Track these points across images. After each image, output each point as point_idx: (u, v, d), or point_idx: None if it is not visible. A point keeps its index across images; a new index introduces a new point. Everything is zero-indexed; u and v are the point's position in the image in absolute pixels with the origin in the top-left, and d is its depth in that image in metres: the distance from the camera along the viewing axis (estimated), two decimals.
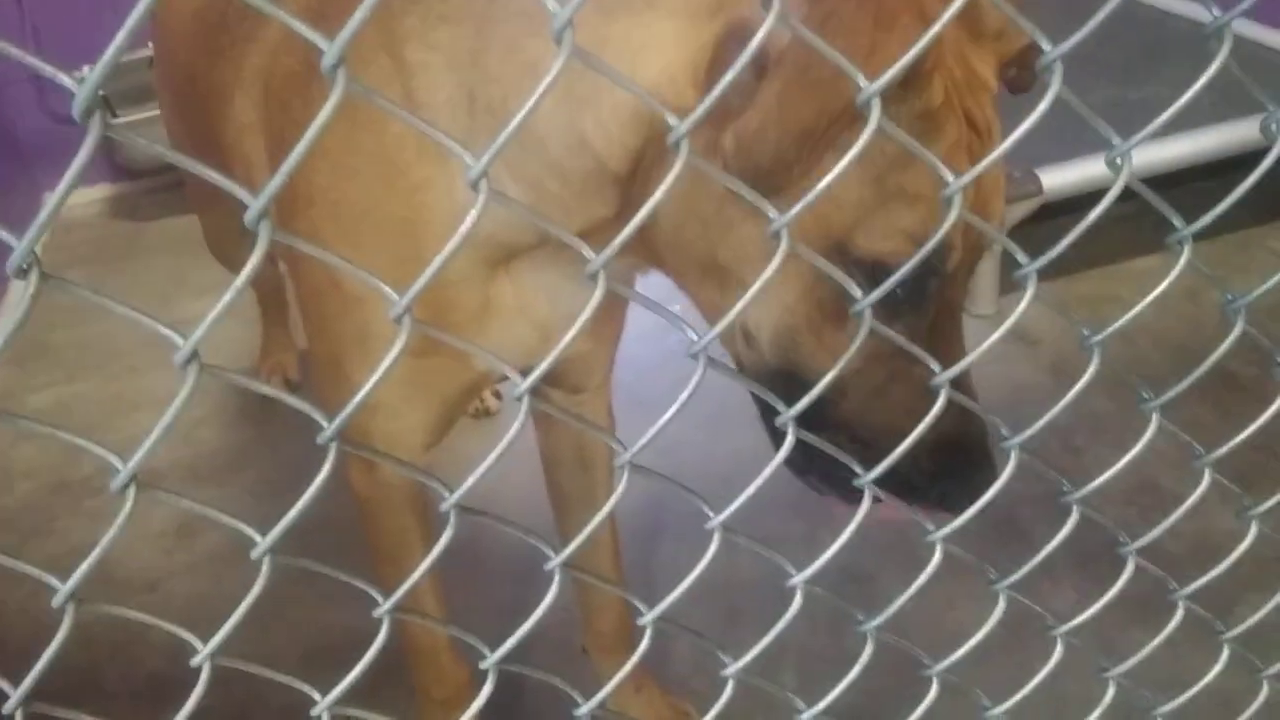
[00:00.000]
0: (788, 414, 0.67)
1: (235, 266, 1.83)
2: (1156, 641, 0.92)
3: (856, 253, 0.73)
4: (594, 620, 1.40)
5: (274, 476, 1.89)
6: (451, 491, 0.59)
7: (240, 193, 0.43)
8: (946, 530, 0.76)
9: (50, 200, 0.42)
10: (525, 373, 0.58)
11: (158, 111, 2.58)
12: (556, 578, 0.66)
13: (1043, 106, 0.56)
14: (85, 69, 2.69)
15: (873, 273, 0.71)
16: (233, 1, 1.12)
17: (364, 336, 0.96)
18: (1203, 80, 0.60)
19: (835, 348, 0.75)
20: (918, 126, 0.70)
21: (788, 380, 0.78)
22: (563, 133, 0.79)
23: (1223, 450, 0.84)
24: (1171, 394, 0.79)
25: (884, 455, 0.70)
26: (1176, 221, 0.69)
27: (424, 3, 0.87)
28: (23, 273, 0.42)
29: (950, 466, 0.79)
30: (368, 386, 0.51)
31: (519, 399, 0.58)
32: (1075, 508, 0.81)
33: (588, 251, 0.55)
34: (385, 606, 0.62)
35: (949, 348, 0.79)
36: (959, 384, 0.78)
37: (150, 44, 2.44)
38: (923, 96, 0.71)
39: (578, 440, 1.27)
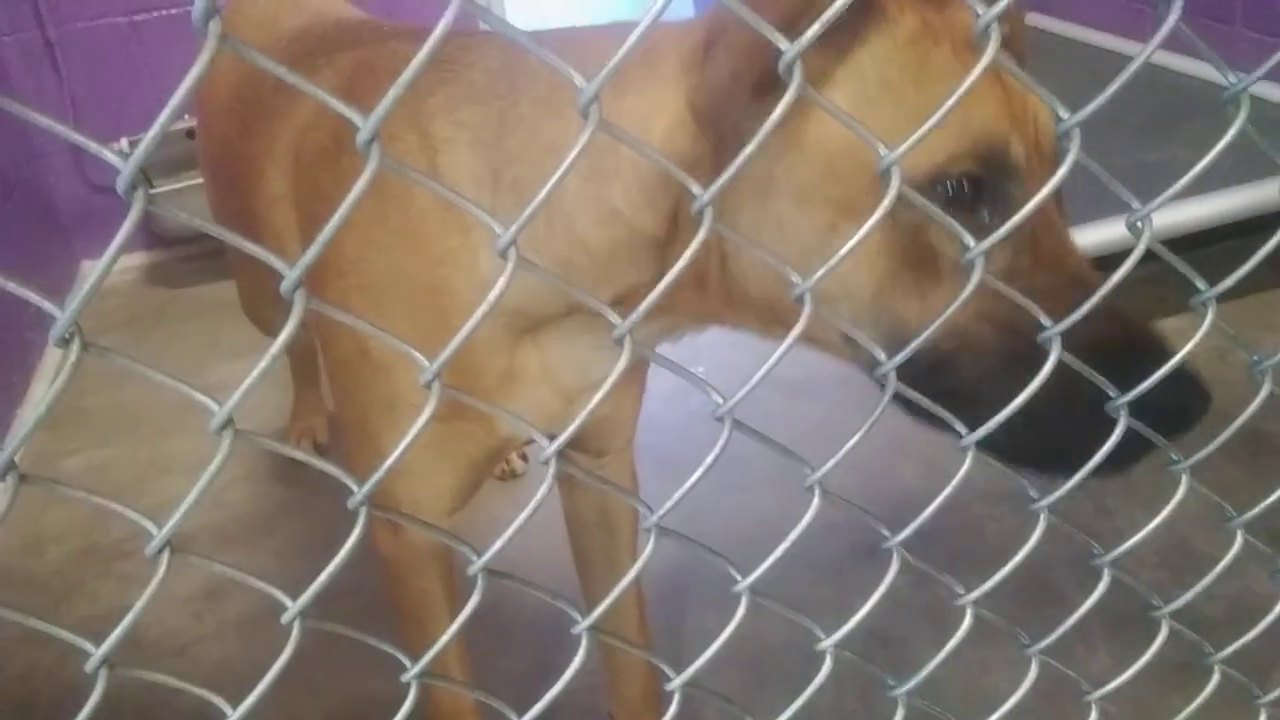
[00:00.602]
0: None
1: (269, 329, 1.87)
2: (1193, 707, 0.91)
3: (915, 182, 0.68)
4: (620, 685, 1.39)
5: (303, 539, 1.90)
6: (479, 555, 0.60)
7: (277, 263, 0.45)
8: (977, 594, 0.75)
9: (92, 271, 0.43)
10: (550, 438, 0.59)
11: (193, 182, 2.66)
12: (584, 642, 0.66)
13: (1062, 171, 0.57)
14: (124, 140, 2.77)
15: (946, 195, 0.69)
16: (268, 79, 1.15)
17: (391, 404, 0.97)
18: (1221, 145, 0.60)
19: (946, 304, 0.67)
20: (910, 60, 0.70)
21: (914, 367, 0.71)
22: (591, 206, 0.81)
23: (1255, 512, 0.83)
24: (1201, 455, 0.78)
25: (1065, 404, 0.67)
26: (1200, 283, 0.70)
27: (450, 81, 0.90)
28: (65, 342, 0.43)
29: (1138, 376, 0.68)
30: (397, 452, 0.52)
31: (546, 463, 0.58)
32: (1107, 570, 0.80)
33: (613, 317, 0.56)
34: (413, 671, 0.62)
35: (1056, 243, 0.75)
36: (1087, 277, 0.72)
37: (188, 116, 2.51)
38: (898, 24, 0.70)
39: (601, 503, 1.27)
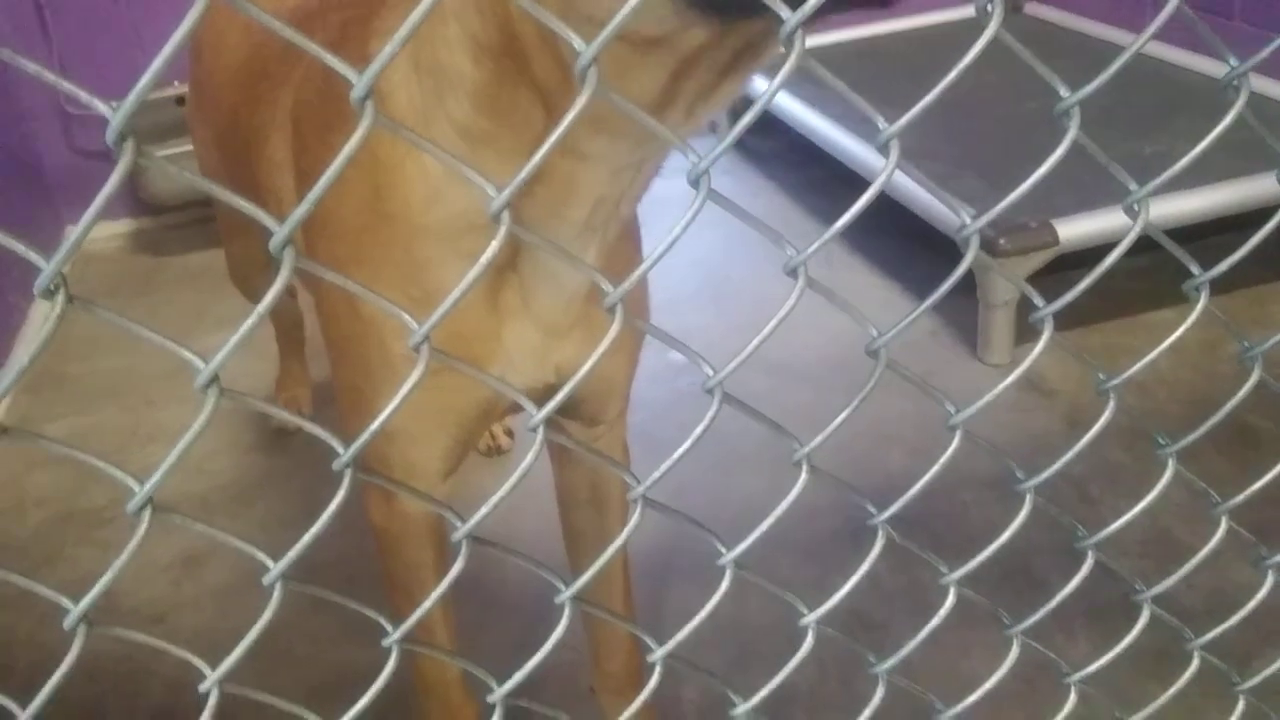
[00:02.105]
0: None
1: (256, 296, 1.86)
2: (1171, 692, 0.91)
3: None
4: (603, 660, 1.39)
5: (285, 509, 1.90)
6: (464, 521, 0.60)
7: (266, 220, 0.44)
8: (960, 573, 0.75)
9: (76, 228, 0.43)
10: (545, 394, 0.58)
11: (181, 149, 2.63)
12: (566, 611, 0.66)
13: (1060, 150, 0.57)
14: (113, 104, 2.74)
15: None
16: (275, 48, 1.18)
17: (384, 361, 0.97)
18: (1219, 129, 0.60)
19: None
20: None
21: None
22: (465, 47, 0.80)
23: (1239, 499, 0.84)
24: (1188, 440, 0.79)
25: None
26: (1193, 268, 0.70)
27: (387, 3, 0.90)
28: (50, 293, 0.42)
29: None
30: (385, 414, 0.51)
31: (533, 429, 0.58)
32: (1090, 554, 0.80)
33: (606, 285, 0.55)
34: (394, 636, 0.62)
35: None
36: None
37: (176, 83, 2.49)
38: None
39: (593, 478, 1.27)
